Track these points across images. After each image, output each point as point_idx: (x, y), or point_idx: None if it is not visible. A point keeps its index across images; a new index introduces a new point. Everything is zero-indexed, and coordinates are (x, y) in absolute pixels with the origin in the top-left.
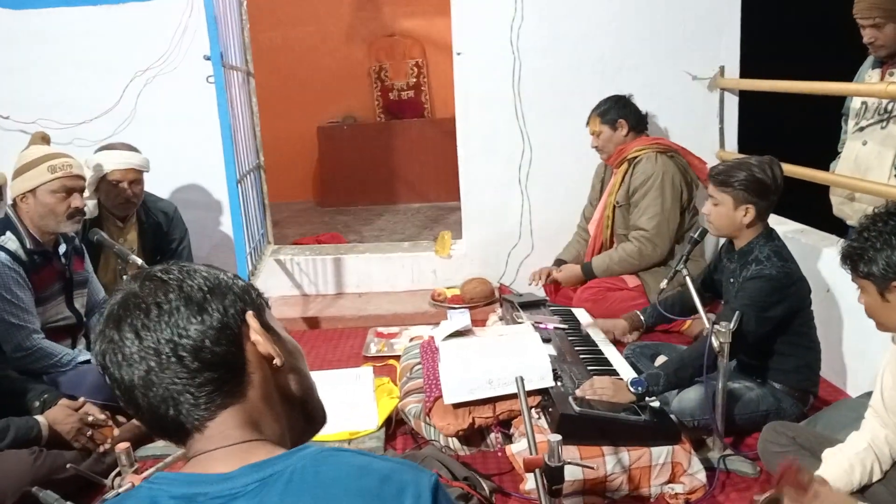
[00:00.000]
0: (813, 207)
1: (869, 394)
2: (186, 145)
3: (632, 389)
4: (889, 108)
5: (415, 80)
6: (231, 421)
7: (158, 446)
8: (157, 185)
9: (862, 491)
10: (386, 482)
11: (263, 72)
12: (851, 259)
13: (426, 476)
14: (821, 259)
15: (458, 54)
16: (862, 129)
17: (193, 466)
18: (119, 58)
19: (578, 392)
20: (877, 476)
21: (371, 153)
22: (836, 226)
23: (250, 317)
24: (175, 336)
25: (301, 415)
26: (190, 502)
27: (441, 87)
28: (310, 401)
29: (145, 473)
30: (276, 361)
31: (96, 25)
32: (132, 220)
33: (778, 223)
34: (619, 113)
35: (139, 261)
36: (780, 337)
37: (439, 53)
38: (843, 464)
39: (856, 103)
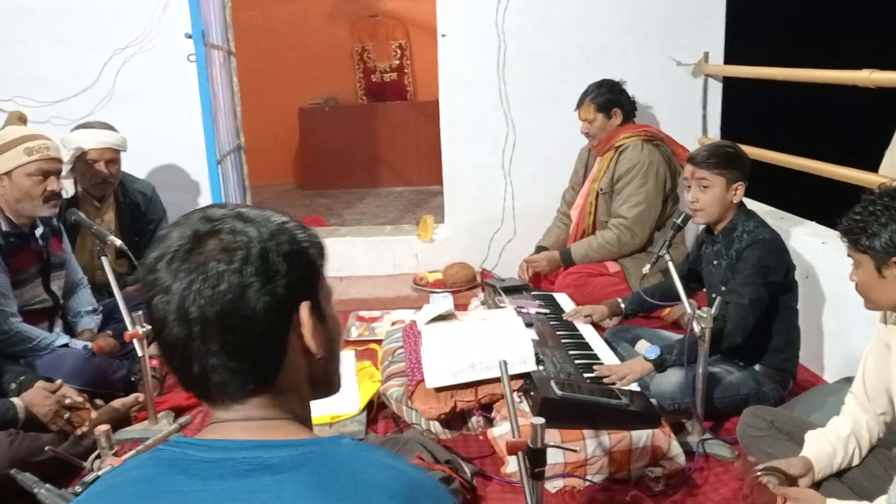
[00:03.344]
0: (792, 194)
1: (846, 379)
2: (166, 125)
3: (648, 357)
4: None
5: (398, 61)
6: (257, 404)
7: (137, 429)
8: (136, 165)
9: (839, 475)
10: (416, 488)
11: (245, 51)
12: (853, 232)
13: (450, 500)
14: (800, 245)
15: (443, 36)
16: None
17: (214, 432)
18: (98, 35)
19: (598, 376)
20: (856, 461)
21: (353, 135)
22: (814, 212)
23: (305, 309)
24: (226, 312)
25: (323, 391)
26: (216, 466)
27: (425, 70)
28: (334, 380)
29: (125, 456)
30: (317, 356)
31: (76, 2)
32: (109, 200)
33: (757, 209)
34: (615, 101)
35: (118, 241)
36: (767, 314)
37: (423, 35)
38: (825, 447)
39: None
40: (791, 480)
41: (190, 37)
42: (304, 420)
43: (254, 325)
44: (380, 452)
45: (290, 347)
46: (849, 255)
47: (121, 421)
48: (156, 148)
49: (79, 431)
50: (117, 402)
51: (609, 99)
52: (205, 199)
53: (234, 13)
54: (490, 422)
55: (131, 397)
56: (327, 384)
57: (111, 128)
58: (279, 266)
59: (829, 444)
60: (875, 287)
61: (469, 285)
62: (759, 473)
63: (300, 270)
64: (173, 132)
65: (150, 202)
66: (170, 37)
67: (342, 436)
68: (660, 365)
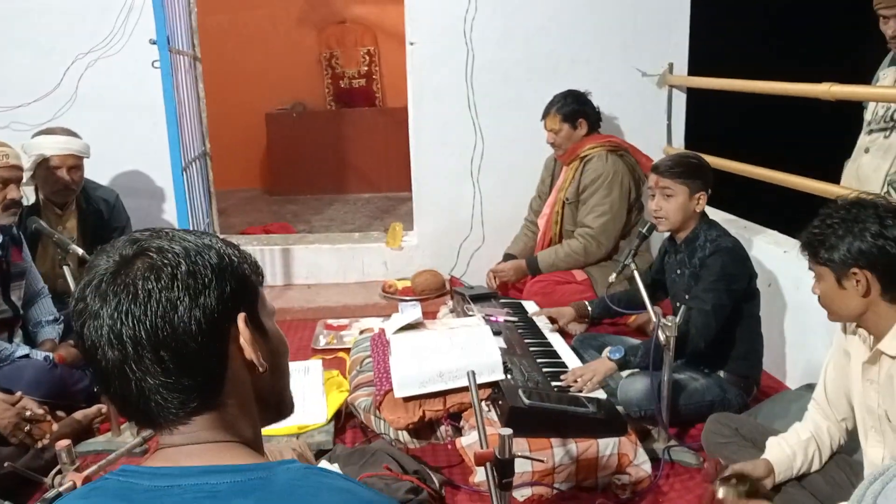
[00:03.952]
0: (755, 203)
1: (807, 386)
2: (130, 131)
3: (611, 358)
4: (895, 116)
5: (366, 68)
6: (203, 425)
7: (100, 441)
8: (99, 172)
9: (800, 479)
10: None
11: (211, 56)
12: (812, 245)
13: None
14: (762, 253)
15: (412, 44)
16: (871, 132)
17: (162, 459)
18: (59, 39)
19: (565, 384)
20: (816, 466)
21: (321, 141)
22: (777, 221)
23: (241, 321)
24: (159, 330)
25: (273, 412)
26: (164, 495)
27: (393, 77)
28: (284, 399)
29: (86, 472)
30: (260, 369)
31: (37, 4)
32: (72, 208)
33: (721, 217)
34: (580, 111)
35: (80, 250)
36: (730, 322)
37: (392, 42)
38: (785, 450)
39: (869, 107)
40: (755, 483)
41: (154, 42)
42: (254, 443)
43: (189, 340)
44: (331, 475)
45: (231, 360)
46: (810, 269)
47: (83, 433)
48: (119, 154)
49: (39, 444)
50: (79, 414)
51: (575, 109)
52: (169, 206)
53: (200, 18)
54: (459, 431)
55: (93, 409)
56: (278, 404)
57: (73, 134)
58: (209, 280)
59: (789, 447)
60: (836, 298)
61: (438, 293)
62: (717, 490)
63: (232, 284)
64: (137, 138)
65: (113, 209)
66: (134, 42)
67: (292, 460)
68: (623, 365)
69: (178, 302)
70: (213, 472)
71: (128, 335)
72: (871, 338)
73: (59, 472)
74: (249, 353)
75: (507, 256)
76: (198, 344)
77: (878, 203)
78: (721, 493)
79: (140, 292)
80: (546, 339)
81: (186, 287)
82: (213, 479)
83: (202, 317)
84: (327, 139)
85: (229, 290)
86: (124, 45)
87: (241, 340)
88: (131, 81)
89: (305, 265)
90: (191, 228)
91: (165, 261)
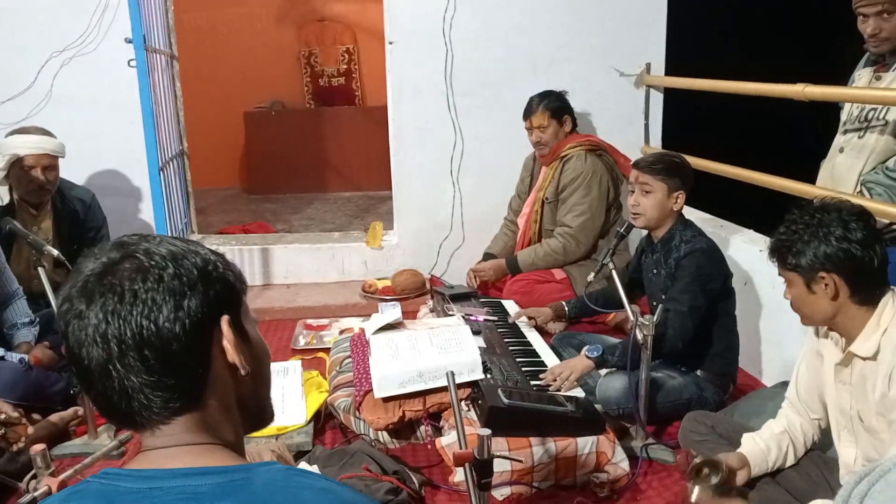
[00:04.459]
0: (731, 203)
1: (783, 384)
2: (106, 130)
3: (589, 356)
4: (869, 116)
5: (346, 66)
6: (185, 425)
7: (76, 444)
8: (75, 172)
9: (774, 475)
10: None
11: (188, 55)
12: (780, 252)
13: None
14: (739, 253)
15: (391, 43)
16: (846, 132)
17: (144, 461)
18: (34, 37)
19: (544, 383)
20: (790, 461)
21: (300, 140)
22: (753, 221)
23: (225, 323)
24: (144, 330)
25: (254, 419)
26: (146, 497)
27: (373, 75)
28: (265, 407)
29: (61, 476)
30: (242, 372)
31: (9, 2)
32: (47, 208)
33: (697, 217)
34: (566, 108)
35: (55, 252)
36: (706, 321)
37: (371, 40)
38: (759, 444)
39: (845, 107)
40: (730, 475)
41: (130, 41)
42: (236, 447)
43: (172, 340)
44: (312, 476)
45: (214, 362)
46: (780, 275)
47: (59, 435)
48: (95, 154)
49: (15, 448)
50: (55, 417)
51: (561, 106)
52: (146, 206)
53: (177, 16)
54: (438, 431)
55: (70, 411)
56: (258, 410)
57: (48, 133)
58: (194, 283)
59: (763, 442)
60: (807, 303)
61: (418, 292)
62: (691, 484)
63: (216, 288)
64: (113, 137)
65: (89, 209)
66: (110, 40)
67: (273, 461)
68: (601, 363)
69: (164, 303)
70: (194, 474)
71: (113, 334)
72: (842, 340)
73: (35, 476)
74: (232, 355)
75: (487, 255)
76: (181, 345)
77: (842, 206)
78: (694, 495)
79: (126, 292)
80: (525, 337)
81: (172, 289)
82: (195, 481)
83: (186, 318)
84: (306, 138)
85: (213, 293)
86: (100, 44)
87: (224, 343)
88: (107, 80)
89: (285, 265)
90: (168, 228)
91: (152, 263)
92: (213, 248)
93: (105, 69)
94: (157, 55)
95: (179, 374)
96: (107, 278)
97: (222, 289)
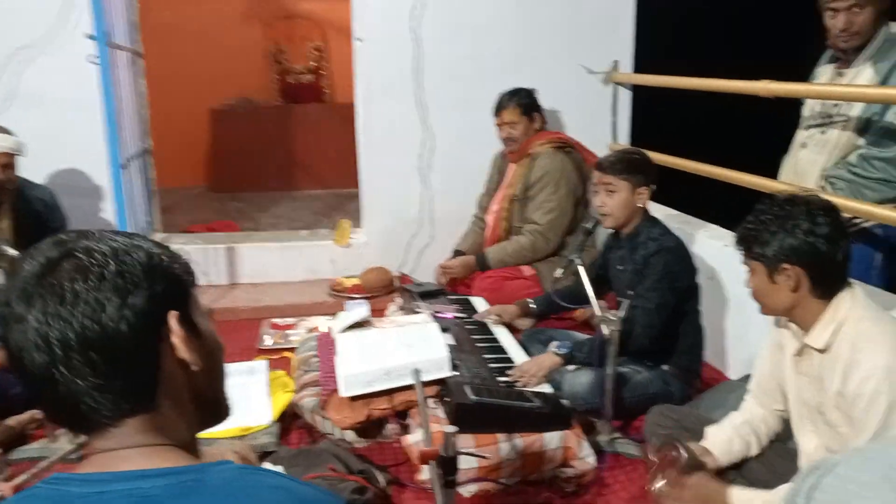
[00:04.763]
0: (697, 198)
1: (746, 377)
2: (67, 128)
3: (556, 353)
4: (831, 112)
5: (314, 63)
6: (137, 426)
7: (34, 448)
8: (35, 171)
9: (738, 466)
10: None
11: (154, 51)
12: (746, 240)
13: None
14: (704, 248)
15: (359, 41)
16: (808, 128)
17: (94, 465)
18: None
19: (511, 379)
20: (754, 451)
21: (268, 137)
22: (718, 216)
23: (173, 319)
24: (87, 331)
25: (209, 414)
26: (97, 501)
27: (342, 72)
28: (220, 400)
29: (16, 480)
30: (193, 367)
31: None
32: (6, 207)
33: (663, 213)
34: (535, 106)
35: (14, 252)
36: (672, 317)
37: (340, 37)
38: (723, 436)
39: (807, 103)
40: (695, 463)
41: (92, 38)
42: (190, 446)
43: (119, 340)
44: (267, 474)
45: (164, 359)
46: (744, 263)
47: (16, 439)
48: (57, 152)
49: None
50: (12, 420)
51: (532, 103)
52: (108, 205)
53: (143, 12)
54: (406, 429)
55: (27, 414)
56: (213, 405)
57: (5, 130)
58: (138, 279)
59: (726, 434)
60: (768, 293)
61: (387, 290)
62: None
63: (162, 283)
64: (74, 136)
65: (50, 209)
66: (72, 37)
67: (226, 461)
68: (569, 360)
69: (107, 302)
70: (146, 477)
71: (55, 338)
72: (801, 332)
73: None
74: (183, 351)
75: (457, 252)
76: (128, 344)
77: (811, 200)
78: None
79: (67, 293)
80: (493, 334)
81: (115, 287)
82: (147, 484)
83: (132, 316)
84: (274, 135)
85: (159, 289)
86: (62, 41)
87: (174, 338)
88: (69, 77)
89: (251, 263)
90: (130, 227)
91: (93, 261)
92: (178, 247)
93: (67, 67)
94: (121, 52)
95: (128, 375)
96: (46, 279)
97: (169, 283)
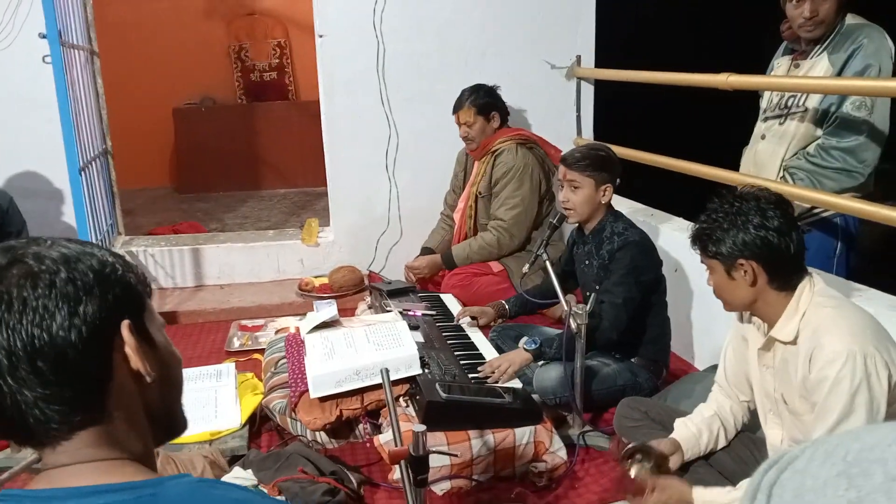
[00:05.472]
0: (661, 191)
1: (712, 367)
2: (23, 130)
3: (526, 348)
4: (789, 103)
5: (277, 60)
6: (88, 440)
7: None
8: None
9: (707, 458)
10: None
11: (111, 50)
12: (700, 240)
13: None
14: (669, 241)
15: (321, 37)
16: (766, 119)
17: (46, 481)
18: None
19: (482, 376)
20: (722, 443)
21: (232, 136)
22: (681, 208)
23: (125, 328)
24: (35, 339)
25: (164, 428)
26: None
27: (306, 69)
28: (176, 413)
29: None
30: (147, 379)
31: None
32: None
33: (628, 206)
34: (493, 104)
35: None
36: (639, 310)
37: (303, 34)
38: (691, 429)
39: (765, 95)
40: (662, 460)
41: (44, 36)
42: (144, 459)
43: (68, 349)
44: (224, 487)
45: (116, 370)
46: (702, 262)
47: None
48: (13, 155)
49: None
50: None
51: (488, 102)
52: (68, 207)
53: (99, 10)
54: (377, 428)
55: None
56: (168, 418)
57: None
58: (90, 287)
59: (694, 426)
60: (727, 289)
61: (356, 289)
62: (628, 464)
63: (115, 291)
64: (31, 138)
65: (6, 213)
66: (24, 36)
67: (184, 474)
68: (539, 355)
69: (57, 310)
70: (99, 493)
71: (1, 345)
72: (764, 325)
73: None
74: (136, 361)
75: (425, 250)
76: (78, 353)
77: (760, 195)
78: (633, 471)
79: (14, 301)
80: (464, 331)
81: (65, 294)
82: (101, 500)
83: (83, 325)
84: (239, 134)
85: (112, 297)
86: (14, 40)
87: (126, 349)
88: (23, 78)
89: (217, 265)
90: (91, 230)
91: (43, 267)
92: (142, 249)
93: (20, 67)
94: (75, 51)
95: (78, 385)
96: None
97: (122, 292)
